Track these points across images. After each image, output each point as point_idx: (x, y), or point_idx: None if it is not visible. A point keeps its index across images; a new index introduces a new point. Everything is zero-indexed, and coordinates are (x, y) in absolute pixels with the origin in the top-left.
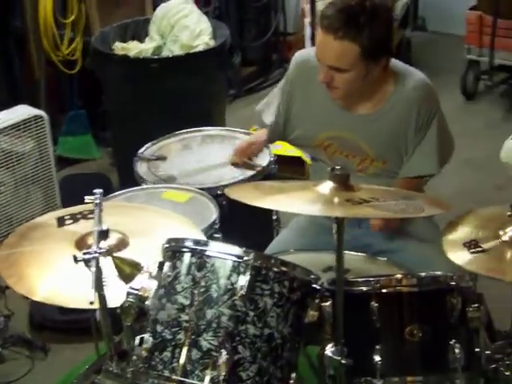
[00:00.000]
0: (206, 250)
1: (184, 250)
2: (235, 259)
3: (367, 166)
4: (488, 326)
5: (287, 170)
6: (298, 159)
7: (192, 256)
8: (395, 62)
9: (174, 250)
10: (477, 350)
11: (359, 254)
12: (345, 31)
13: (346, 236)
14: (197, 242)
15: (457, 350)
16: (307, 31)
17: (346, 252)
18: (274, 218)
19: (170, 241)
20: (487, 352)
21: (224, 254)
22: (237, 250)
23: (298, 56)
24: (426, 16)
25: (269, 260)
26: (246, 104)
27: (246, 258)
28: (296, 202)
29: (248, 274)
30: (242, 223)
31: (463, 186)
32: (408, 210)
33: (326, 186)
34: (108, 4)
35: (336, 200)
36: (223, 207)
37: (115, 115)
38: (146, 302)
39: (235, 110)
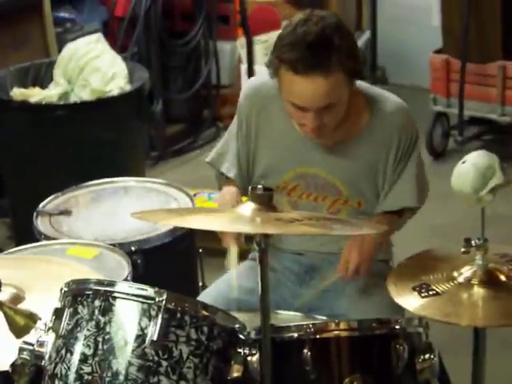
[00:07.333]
0: (111, 291)
1: (86, 292)
2: (145, 301)
3: (339, 209)
4: (442, 381)
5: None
6: None
7: (95, 299)
8: (365, 85)
9: (74, 294)
10: None
11: (295, 313)
12: (328, 64)
13: (286, 294)
14: (101, 283)
15: None
16: (244, 82)
17: (279, 312)
18: (201, 284)
19: (70, 284)
20: None
21: (132, 295)
22: (147, 290)
23: (248, 87)
24: (387, 66)
25: (184, 302)
26: (171, 167)
27: (157, 300)
28: (217, 221)
29: (160, 317)
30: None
31: None
32: (345, 228)
33: (248, 208)
34: (3, 45)
35: (259, 220)
36: (138, 266)
37: (12, 173)
38: (44, 361)
39: (159, 175)
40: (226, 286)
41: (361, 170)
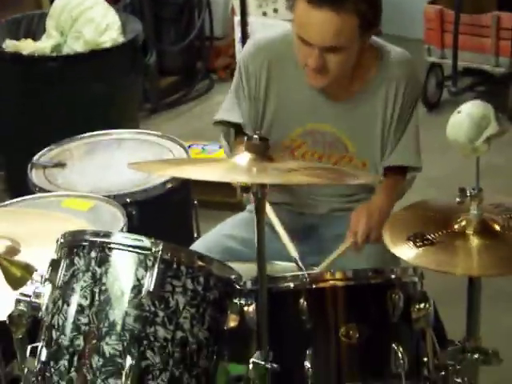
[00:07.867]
0: (107, 242)
1: (82, 243)
2: (141, 251)
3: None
4: (437, 330)
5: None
6: None
7: (91, 250)
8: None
9: (70, 245)
10: (424, 358)
11: (292, 263)
12: (341, 2)
13: (282, 247)
14: (97, 234)
15: (399, 355)
16: (237, 33)
17: (276, 262)
18: (195, 235)
19: (66, 235)
20: (436, 359)
21: (128, 246)
22: (143, 240)
23: (257, 41)
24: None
25: (180, 252)
26: (165, 120)
27: (154, 250)
28: (213, 171)
29: (156, 268)
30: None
31: None
32: (341, 178)
33: (244, 158)
34: None
35: (255, 170)
36: (133, 218)
37: (6, 126)
38: (40, 312)
39: (152, 127)
40: (220, 235)
41: (367, 125)
